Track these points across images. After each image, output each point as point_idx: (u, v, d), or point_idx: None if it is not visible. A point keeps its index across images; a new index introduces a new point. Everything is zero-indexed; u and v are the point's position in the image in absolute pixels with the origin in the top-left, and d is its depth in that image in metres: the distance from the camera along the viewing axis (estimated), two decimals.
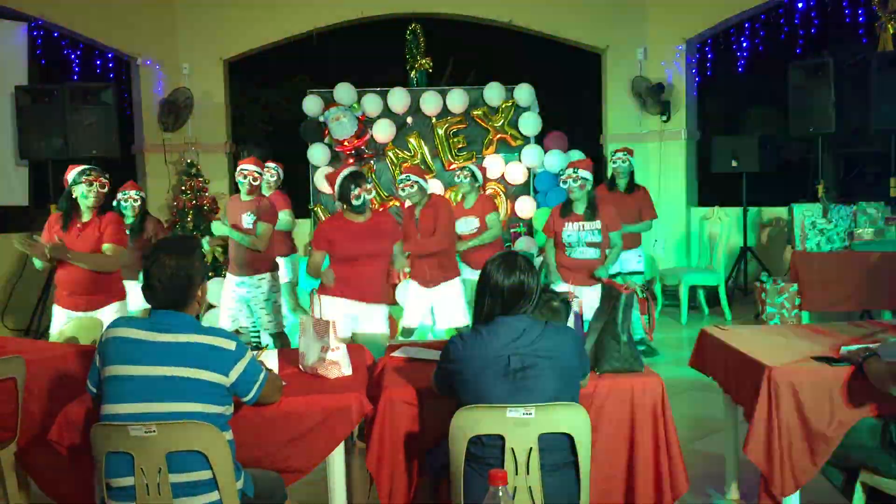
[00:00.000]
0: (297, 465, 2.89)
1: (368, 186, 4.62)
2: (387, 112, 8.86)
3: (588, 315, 5.27)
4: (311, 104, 8.88)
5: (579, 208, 5.46)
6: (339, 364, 3.19)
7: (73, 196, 4.67)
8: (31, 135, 7.69)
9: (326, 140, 8.85)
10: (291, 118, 9.78)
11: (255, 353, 2.76)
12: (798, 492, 3.10)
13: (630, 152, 6.80)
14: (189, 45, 9.44)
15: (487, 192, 8.52)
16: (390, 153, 8.94)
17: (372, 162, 8.95)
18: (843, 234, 6.57)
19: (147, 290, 2.59)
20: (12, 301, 7.71)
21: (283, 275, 6.45)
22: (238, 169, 5.47)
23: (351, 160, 8.88)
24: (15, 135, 7.79)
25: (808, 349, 3.34)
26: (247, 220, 5.38)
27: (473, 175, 6.23)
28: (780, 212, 8.85)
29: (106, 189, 4.72)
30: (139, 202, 6.04)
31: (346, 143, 8.67)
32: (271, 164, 6.65)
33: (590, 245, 5.40)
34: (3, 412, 3.33)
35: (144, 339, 2.51)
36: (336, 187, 4.62)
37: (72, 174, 4.72)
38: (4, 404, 3.32)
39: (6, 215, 8.43)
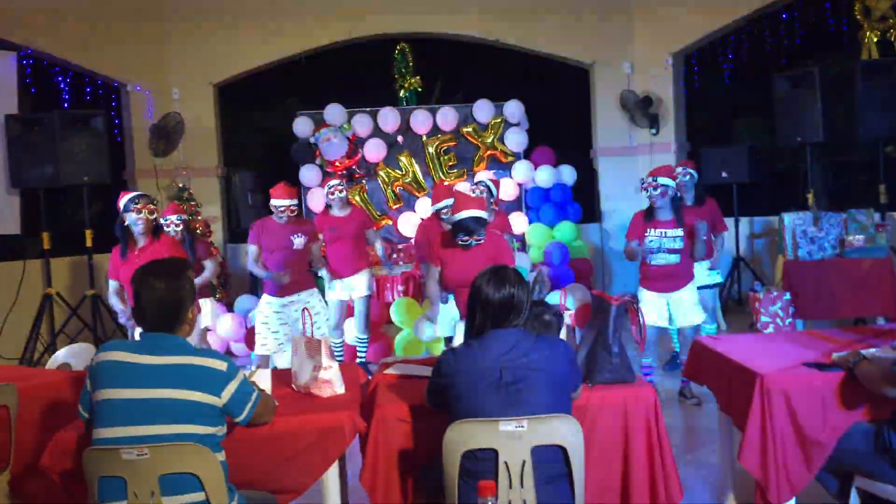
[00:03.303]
0: (292, 486, 2.88)
1: (480, 238, 4.45)
2: (377, 131, 8.89)
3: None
4: (302, 125, 8.91)
5: (663, 215, 5.31)
6: (332, 383, 3.19)
7: (126, 224, 4.81)
8: (22, 163, 7.68)
9: (318, 161, 8.87)
10: (282, 140, 9.80)
11: (246, 373, 2.75)
12: (794, 499, 3.10)
13: (690, 164, 6.38)
14: (179, 70, 9.48)
15: None
16: (382, 172, 8.97)
17: (364, 182, 8.98)
18: (835, 241, 6.59)
19: (137, 313, 2.60)
20: (6, 330, 7.68)
21: (364, 288, 6.47)
22: (273, 205, 5.70)
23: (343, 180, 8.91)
24: (6, 163, 7.79)
25: (799, 356, 3.35)
26: (298, 242, 5.69)
27: (490, 190, 6.28)
28: (771, 221, 8.88)
29: (155, 215, 4.84)
30: (181, 226, 6.19)
31: (337, 164, 8.70)
32: (335, 182, 6.51)
33: (671, 252, 5.26)
34: None
35: (135, 362, 2.50)
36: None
37: (122, 202, 4.83)
38: None
39: None
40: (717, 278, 6.30)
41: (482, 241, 4.42)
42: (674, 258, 5.29)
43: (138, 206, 4.73)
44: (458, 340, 4.55)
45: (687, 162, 6.52)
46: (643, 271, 5.45)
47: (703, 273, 6.07)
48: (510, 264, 4.35)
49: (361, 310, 6.50)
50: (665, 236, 5.26)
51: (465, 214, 4.38)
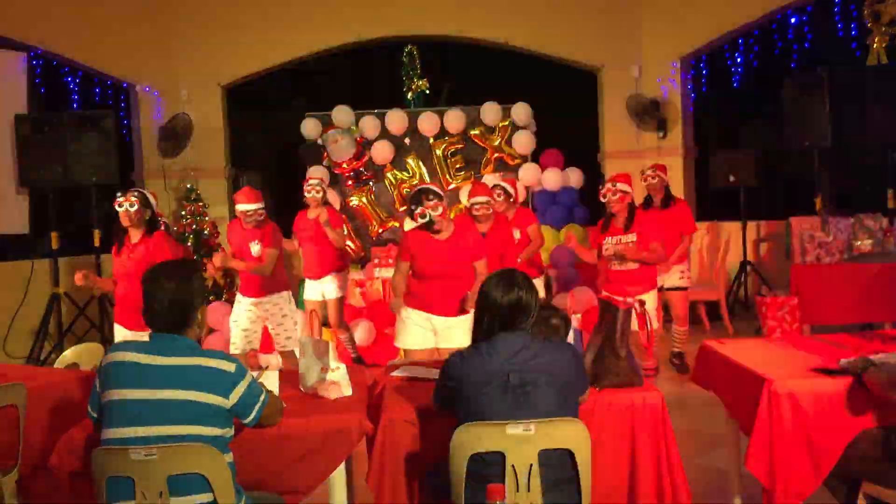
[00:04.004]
0: (299, 487, 2.89)
1: (432, 203, 4.36)
2: (385, 133, 8.90)
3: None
4: (310, 127, 8.93)
5: (619, 221, 5.44)
6: (340, 384, 3.20)
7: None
8: (31, 163, 7.71)
9: (325, 162, 8.89)
10: (290, 141, 9.81)
11: (254, 374, 2.76)
12: None
13: (660, 168, 6.51)
14: (187, 71, 9.50)
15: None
16: (389, 174, 8.98)
17: (371, 183, 8.99)
18: (843, 246, 6.57)
19: (146, 314, 2.60)
20: (14, 329, 7.71)
21: (335, 290, 6.52)
22: (237, 209, 5.53)
23: (350, 182, 8.93)
24: (15, 163, 7.83)
25: (807, 361, 3.35)
26: (254, 249, 5.46)
27: (506, 191, 6.36)
28: (779, 225, 8.86)
29: (136, 206, 4.69)
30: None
31: (344, 166, 8.71)
32: (314, 181, 6.52)
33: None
34: (5, 440, 3.32)
35: (144, 363, 2.51)
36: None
37: None
38: (6, 432, 3.32)
39: (6, 243, 8.45)
40: (685, 281, 6.39)
41: (440, 213, 4.37)
42: (631, 264, 5.41)
43: (120, 200, 4.68)
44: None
45: (657, 165, 6.59)
46: (605, 274, 5.58)
47: (677, 275, 6.26)
48: (481, 258, 4.44)
49: (333, 310, 6.60)
50: (620, 242, 5.38)
51: (416, 189, 4.47)
